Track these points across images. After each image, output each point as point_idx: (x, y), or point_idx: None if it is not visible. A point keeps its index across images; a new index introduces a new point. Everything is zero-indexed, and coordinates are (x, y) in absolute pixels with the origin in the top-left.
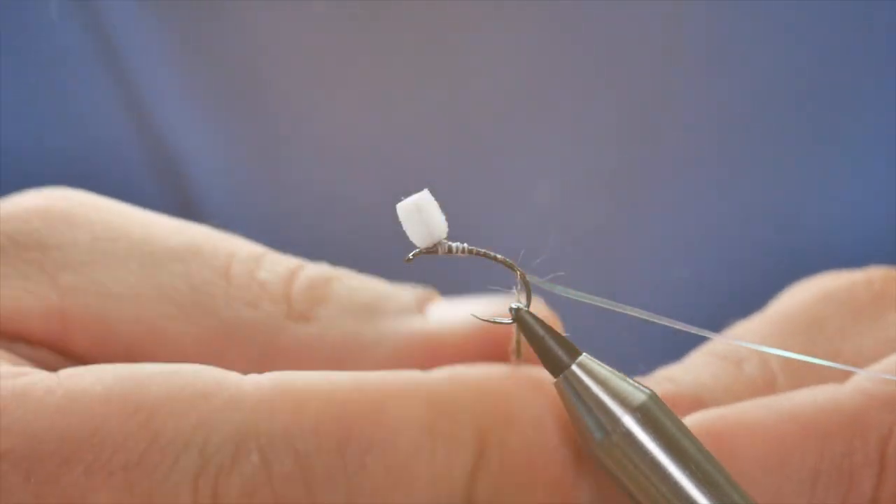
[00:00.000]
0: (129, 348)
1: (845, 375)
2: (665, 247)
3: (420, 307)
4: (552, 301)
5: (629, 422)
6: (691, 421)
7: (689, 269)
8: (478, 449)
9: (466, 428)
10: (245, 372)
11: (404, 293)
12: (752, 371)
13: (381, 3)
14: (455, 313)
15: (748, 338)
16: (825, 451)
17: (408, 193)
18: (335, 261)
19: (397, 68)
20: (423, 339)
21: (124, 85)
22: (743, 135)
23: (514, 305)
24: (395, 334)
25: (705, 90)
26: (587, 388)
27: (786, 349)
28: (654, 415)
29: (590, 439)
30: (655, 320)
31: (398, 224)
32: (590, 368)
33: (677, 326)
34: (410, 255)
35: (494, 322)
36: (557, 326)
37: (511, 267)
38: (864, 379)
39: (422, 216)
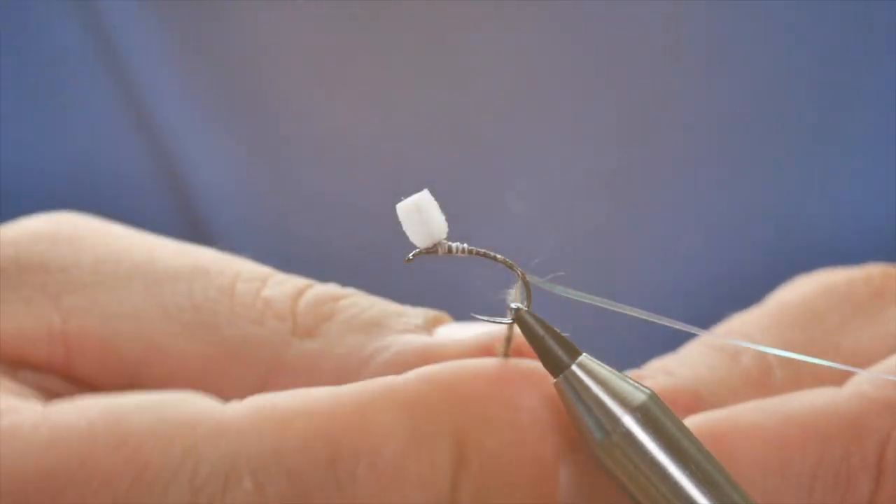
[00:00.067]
0: (135, 369)
1: (843, 370)
2: (665, 247)
3: (428, 328)
4: (552, 301)
5: (629, 422)
6: (692, 423)
7: (695, 248)
8: (457, 451)
9: (445, 431)
10: (250, 388)
11: (413, 313)
12: (748, 363)
13: (381, 3)
14: (462, 332)
15: (747, 329)
16: (824, 454)
17: (408, 193)
18: (334, 260)
19: (397, 68)
20: (423, 351)
21: (124, 85)
22: (743, 135)
23: (514, 305)
24: (397, 346)
25: (705, 90)
26: (587, 388)
27: (784, 342)
28: (654, 415)
29: (590, 439)
30: (655, 320)
31: (398, 224)
32: (590, 368)
33: (677, 326)
34: (410, 255)
35: (494, 322)
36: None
37: (511, 267)
38: (864, 382)
39: (422, 216)
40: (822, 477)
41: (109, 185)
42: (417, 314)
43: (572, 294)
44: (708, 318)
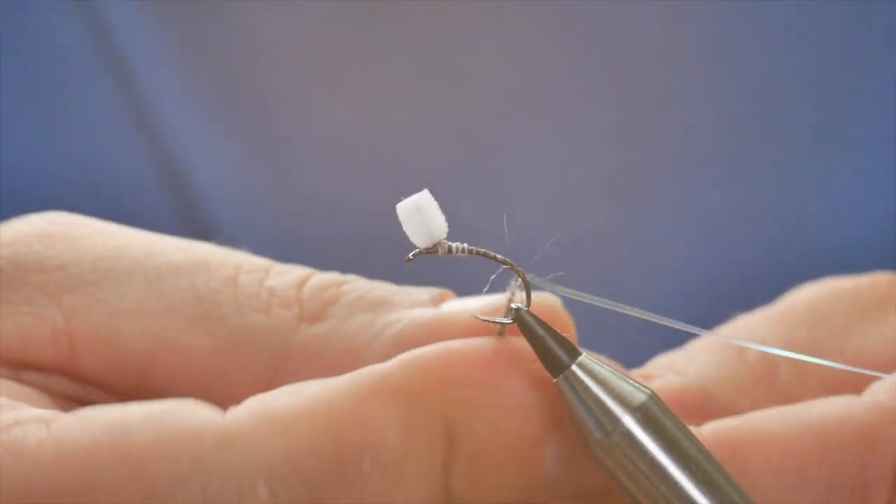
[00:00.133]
0: (141, 365)
1: (847, 371)
2: (665, 246)
3: (435, 303)
4: None
5: (629, 422)
6: (707, 431)
7: (700, 247)
8: (448, 436)
9: (435, 417)
10: (259, 378)
11: (419, 291)
12: (754, 360)
13: (381, 3)
14: (468, 305)
15: (752, 330)
16: (839, 464)
17: (408, 193)
18: (334, 260)
19: (397, 68)
20: (431, 322)
21: (124, 85)
22: (743, 135)
23: (514, 305)
24: (407, 319)
25: (705, 90)
26: (587, 388)
27: (789, 342)
28: (654, 415)
29: (590, 439)
30: (655, 320)
31: (398, 224)
32: (590, 368)
33: (677, 326)
34: (410, 255)
35: (494, 322)
36: (566, 322)
37: (511, 267)
38: (880, 392)
39: (422, 216)
40: (837, 486)
41: (109, 185)
42: (423, 291)
43: (572, 294)
44: (708, 318)
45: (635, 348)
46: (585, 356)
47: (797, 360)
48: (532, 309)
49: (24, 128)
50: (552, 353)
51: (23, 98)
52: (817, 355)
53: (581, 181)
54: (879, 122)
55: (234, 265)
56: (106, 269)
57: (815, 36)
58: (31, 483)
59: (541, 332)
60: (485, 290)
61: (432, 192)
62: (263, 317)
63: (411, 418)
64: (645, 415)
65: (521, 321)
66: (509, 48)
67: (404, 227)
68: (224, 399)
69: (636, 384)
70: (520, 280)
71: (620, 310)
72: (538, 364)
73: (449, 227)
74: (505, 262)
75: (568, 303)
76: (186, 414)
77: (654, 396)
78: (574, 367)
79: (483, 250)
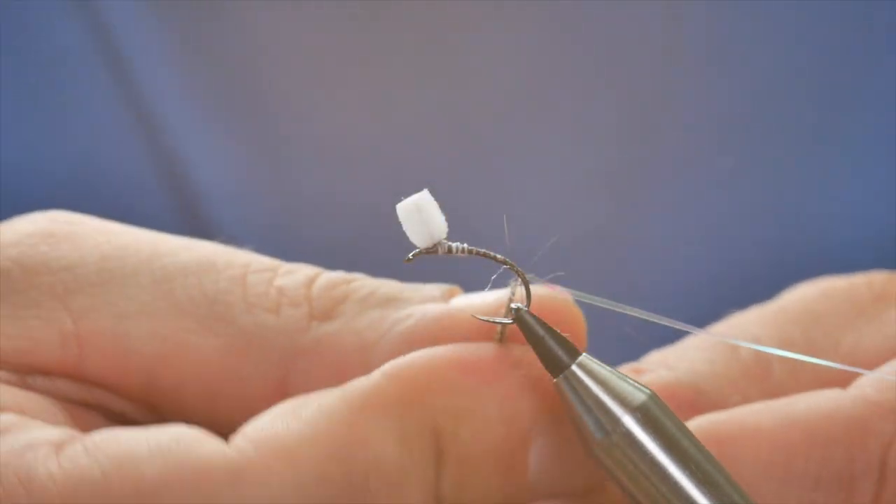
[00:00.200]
0: (150, 367)
1: (840, 369)
2: (665, 247)
3: (444, 299)
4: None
5: (629, 422)
6: (695, 424)
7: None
8: (437, 444)
9: (425, 427)
10: (269, 378)
11: (429, 287)
12: (747, 356)
13: (381, 3)
14: (477, 300)
15: (746, 327)
16: (827, 457)
17: (408, 193)
18: (334, 260)
19: (397, 68)
20: (442, 316)
21: (124, 85)
22: (743, 135)
23: (514, 305)
24: (418, 313)
25: (705, 90)
26: (587, 388)
27: (783, 340)
28: (654, 415)
29: (590, 439)
30: (655, 320)
31: (398, 224)
32: (590, 368)
33: (677, 326)
34: (410, 255)
35: (495, 322)
36: (577, 317)
37: (511, 267)
38: (867, 385)
39: (422, 216)
40: (824, 480)
41: (109, 185)
42: (433, 287)
43: (572, 294)
44: (708, 318)
45: (635, 348)
46: (585, 356)
47: (790, 358)
48: (542, 304)
49: (24, 128)
50: (552, 353)
51: (23, 98)
52: (812, 354)
53: (581, 181)
54: (879, 122)
55: (242, 264)
56: (112, 269)
57: (815, 36)
58: None
59: (541, 332)
60: (485, 289)
61: (432, 192)
62: (273, 316)
63: (403, 430)
64: (645, 415)
65: (521, 321)
66: (509, 48)
67: (404, 227)
68: (235, 399)
69: (636, 384)
70: (520, 280)
71: (620, 310)
72: (524, 370)
73: (449, 227)
74: (505, 262)
75: None
76: (194, 447)
77: (654, 396)
78: (574, 367)
79: (483, 250)
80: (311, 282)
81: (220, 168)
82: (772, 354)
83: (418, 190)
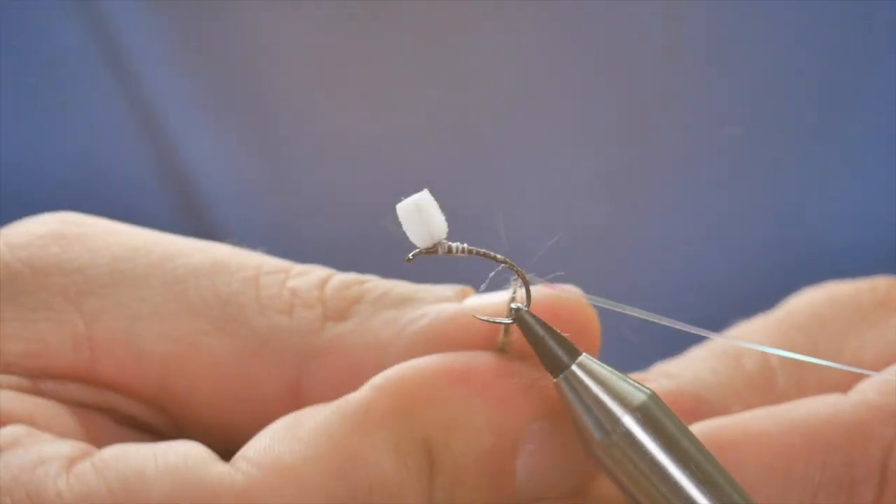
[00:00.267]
0: (163, 369)
1: (845, 375)
2: (665, 247)
3: (458, 299)
4: None
5: (629, 422)
6: (696, 430)
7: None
8: (429, 455)
9: (418, 439)
10: (283, 380)
11: (442, 287)
12: (751, 367)
13: (381, 3)
14: (490, 300)
15: (750, 337)
16: (827, 461)
17: (408, 193)
18: (335, 260)
19: (397, 68)
20: (457, 316)
21: (125, 85)
22: (743, 135)
23: (514, 305)
24: (433, 313)
25: (705, 90)
26: (587, 388)
27: (788, 346)
28: (654, 415)
29: (590, 439)
30: (655, 320)
31: (398, 224)
32: (590, 368)
33: (677, 326)
34: (410, 255)
35: (494, 322)
36: (590, 316)
37: (511, 267)
38: (868, 390)
39: (422, 216)
40: (825, 484)
41: (110, 185)
42: (447, 287)
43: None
44: (708, 318)
45: (634, 349)
46: (585, 356)
47: (795, 368)
48: (553, 303)
49: (24, 128)
50: (552, 353)
51: (23, 98)
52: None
53: (581, 181)
54: (879, 122)
55: (254, 266)
56: (123, 270)
57: (815, 36)
58: None
59: (541, 332)
60: (482, 288)
61: (432, 192)
62: (286, 318)
63: (398, 443)
64: (645, 415)
65: (521, 321)
66: (509, 48)
67: (404, 227)
68: (247, 401)
69: (636, 384)
70: (520, 280)
71: (621, 310)
72: (514, 378)
73: (449, 227)
74: (505, 262)
75: None
76: (202, 468)
77: (654, 396)
78: (574, 367)
79: (483, 250)
80: (323, 283)
81: (220, 168)
82: (776, 365)
83: (418, 190)
